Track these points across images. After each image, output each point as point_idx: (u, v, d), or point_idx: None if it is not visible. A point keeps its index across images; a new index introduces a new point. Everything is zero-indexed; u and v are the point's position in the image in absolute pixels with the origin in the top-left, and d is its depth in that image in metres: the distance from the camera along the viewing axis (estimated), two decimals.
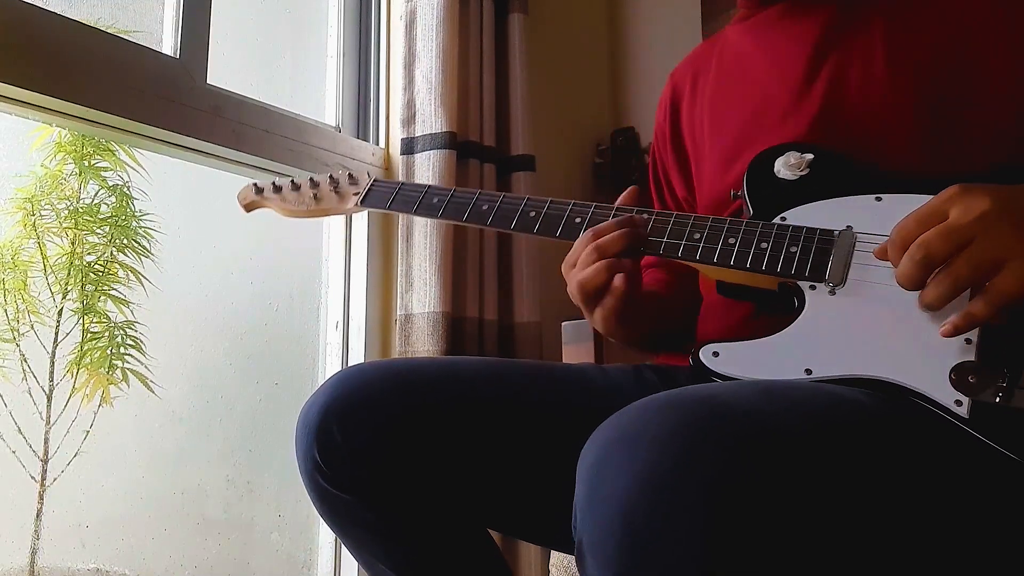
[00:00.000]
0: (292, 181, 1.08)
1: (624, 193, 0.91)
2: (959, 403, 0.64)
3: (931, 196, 0.67)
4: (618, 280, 0.82)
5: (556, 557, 1.20)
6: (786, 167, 0.84)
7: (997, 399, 0.64)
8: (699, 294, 0.99)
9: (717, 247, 0.81)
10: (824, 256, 0.76)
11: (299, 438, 0.86)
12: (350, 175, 1.06)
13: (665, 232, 0.84)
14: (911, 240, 0.66)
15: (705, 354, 0.75)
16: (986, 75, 0.84)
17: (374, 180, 1.04)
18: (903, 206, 0.70)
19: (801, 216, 0.80)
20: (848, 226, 0.77)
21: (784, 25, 0.96)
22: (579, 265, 0.85)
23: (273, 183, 1.08)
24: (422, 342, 1.43)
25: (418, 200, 0.97)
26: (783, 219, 0.81)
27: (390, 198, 1.00)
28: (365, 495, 0.85)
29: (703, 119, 1.03)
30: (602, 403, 0.72)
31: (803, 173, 0.83)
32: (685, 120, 1.08)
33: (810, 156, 0.84)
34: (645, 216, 0.86)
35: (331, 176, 1.06)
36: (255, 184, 1.09)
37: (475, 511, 0.90)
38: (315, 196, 1.06)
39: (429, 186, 0.99)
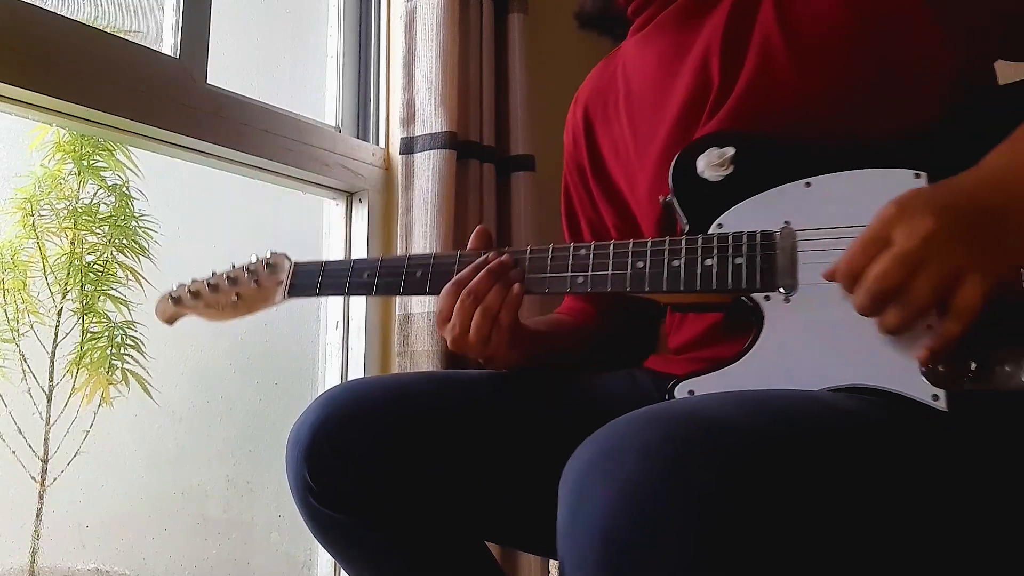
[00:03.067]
0: (208, 283, 0.99)
1: (474, 236, 0.90)
2: (936, 397, 0.65)
3: (858, 171, 0.73)
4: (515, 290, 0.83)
5: None
6: (709, 168, 0.81)
7: (966, 382, 0.65)
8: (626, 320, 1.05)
9: (663, 273, 0.78)
10: (770, 263, 0.74)
11: (289, 459, 0.85)
12: (267, 263, 0.97)
13: (607, 266, 0.81)
14: (859, 268, 0.65)
15: (680, 393, 0.74)
16: (894, 43, 0.80)
17: (295, 263, 0.96)
18: (831, 188, 0.75)
19: (736, 219, 0.78)
20: (786, 222, 0.75)
21: (684, 27, 0.93)
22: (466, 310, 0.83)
23: (188, 289, 0.99)
24: (422, 341, 1.42)
25: (347, 277, 0.92)
26: (720, 226, 0.79)
27: (317, 281, 0.94)
28: (359, 514, 0.84)
29: (626, 140, 0.99)
30: (598, 408, 0.72)
31: (727, 172, 0.80)
32: (605, 145, 1.04)
33: (731, 151, 0.80)
34: (583, 252, 0.83)
35: (247, 269, 0.98)
36: (170, 295, 1.00)
37: (472, 524, 0.90)
38: (237, 295, 0.97)
39: (354, 260, 0.94)
